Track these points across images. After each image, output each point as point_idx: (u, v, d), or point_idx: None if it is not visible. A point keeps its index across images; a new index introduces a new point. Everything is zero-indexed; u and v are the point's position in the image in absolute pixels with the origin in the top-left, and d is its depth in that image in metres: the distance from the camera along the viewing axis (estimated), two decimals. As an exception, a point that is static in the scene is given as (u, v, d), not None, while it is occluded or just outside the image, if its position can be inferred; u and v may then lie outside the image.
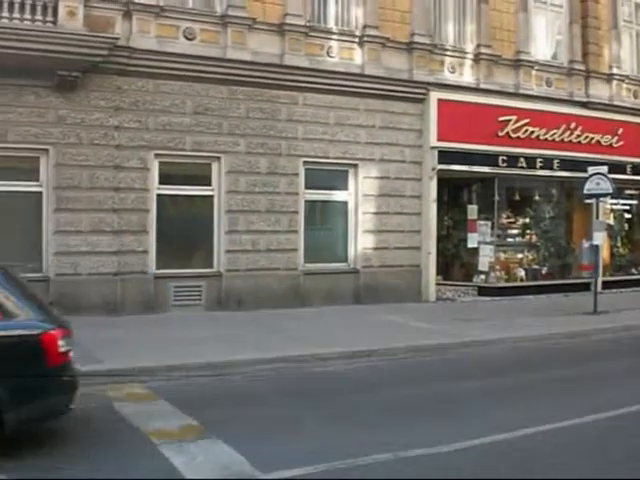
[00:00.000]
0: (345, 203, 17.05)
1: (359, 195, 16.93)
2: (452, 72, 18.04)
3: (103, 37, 13.65)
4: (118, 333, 12.17)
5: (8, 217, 14.04)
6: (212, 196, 15.47)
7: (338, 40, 16.61)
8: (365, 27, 16.74)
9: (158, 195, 14.92)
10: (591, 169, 16.79)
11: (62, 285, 13.70)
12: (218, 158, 15.39)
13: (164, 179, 14.99)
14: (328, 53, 16.40)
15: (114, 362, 10.05)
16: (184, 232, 15.35)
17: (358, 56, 16.76)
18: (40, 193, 13.94)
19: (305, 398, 8.86)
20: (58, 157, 13.89)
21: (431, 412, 8.23)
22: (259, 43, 15.58)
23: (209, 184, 15.47)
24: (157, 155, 14.82)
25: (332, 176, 16.95)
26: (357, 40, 16.74)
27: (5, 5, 12.80)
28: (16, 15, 12.88)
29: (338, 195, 17.07)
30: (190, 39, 14.91)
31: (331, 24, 16.69)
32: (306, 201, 16.43)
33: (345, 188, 17.00)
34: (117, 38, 13.77)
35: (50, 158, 13.87)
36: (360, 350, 11.43)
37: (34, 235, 13.88)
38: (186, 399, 8.47)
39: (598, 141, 19.92)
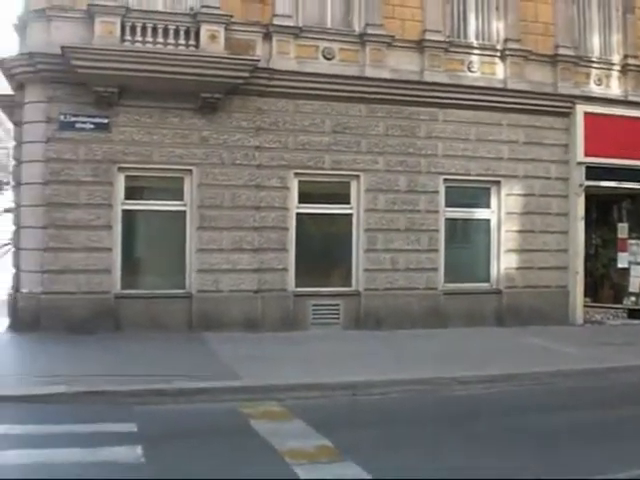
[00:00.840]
0: (487, 221, 16.57)
1: (502, 213, 16.42)
2: (598, 84, 17.22)
3: (244, 59, 13.94)
4: (257, 350, 12.29)
5: (154, 235, 14.65)
6: (351, 214, 15.42)
7: (479, 55, 16.24)
8: (506, 40, 16.29)
9: (297, 214, 15.02)
10: None
11: (204, 301, 14.03)
12: (357, 176, 15.34)
13: (303, 198, 15.09)
14: (469, 68, 16.06)
15: (252, 379, 10.13)
16: (323, 250, 15.41)
17: (500, 70, 16.32)
18: (184, 212, 14.34)
19: (443, 421, 8.58)
20: (201, 177, 14.26)
21: (581, 437, 7.76)
22: (398, 60, 15.46)
23: (348, 202, 15.43)
24: (297, 174, 14.94)
25: (473, 193, 16.55)
26: (498, 54, 16.31)
27: (149, 31, 13.33)
28: (160, 40, 13.39)
29: (479, 213, 16.62)
30: (329, 59, 14.99)
31: (471, 39, 16.35)
32: (446, 219, 16.08)
33: (487, 206, 16.53)
34: (258, 60, 14.02)
35: (194, 178, 14.25)
36: (501, 374, 10.96)
37: (178, 252, 14.29)
38: (321, 419, 8.36)
39: None
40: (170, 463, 6.80)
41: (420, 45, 15.60)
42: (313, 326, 14.76)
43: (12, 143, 16.03)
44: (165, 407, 9.00)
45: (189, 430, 8.01)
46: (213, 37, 13.57)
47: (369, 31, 15.19)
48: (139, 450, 7.05)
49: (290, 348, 12.71)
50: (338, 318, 15.09)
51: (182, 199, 14.38)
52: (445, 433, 8.00)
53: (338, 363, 11.33)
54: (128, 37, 13.31)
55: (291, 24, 14.70)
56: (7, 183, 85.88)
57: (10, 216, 15.77)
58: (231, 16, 13.80)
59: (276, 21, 14.59)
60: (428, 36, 15.62)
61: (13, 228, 14.30)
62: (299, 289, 14.89)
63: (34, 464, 6.73)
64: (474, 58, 16.17)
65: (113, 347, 12.16)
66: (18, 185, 14.13)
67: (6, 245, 31.49)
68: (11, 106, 14.79)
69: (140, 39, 13.34)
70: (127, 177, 14.10)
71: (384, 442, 7.49)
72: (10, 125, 17.05)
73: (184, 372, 10.26)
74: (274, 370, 10.66)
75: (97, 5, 13.17)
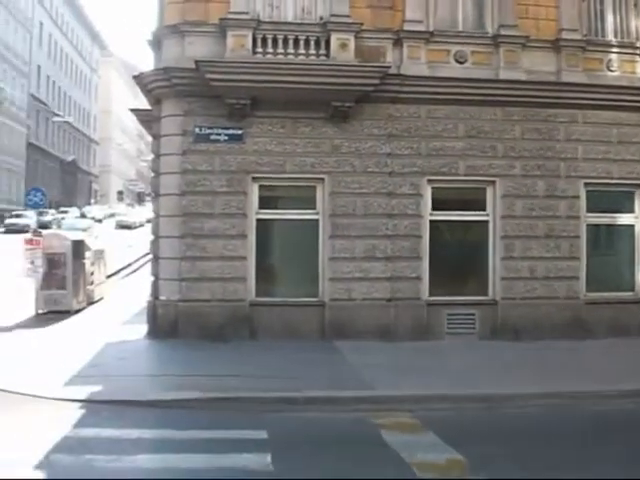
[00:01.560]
0: (631, 227, 15.70)
1: (647, 218, 15.55)
2: None
3: (375, 66, 13.89)
4: (389, 359, 12.13)
5: (287, 243, 14.79)
6: (487, 221, 14.99)
7: (618, 53, 15.43)
8: (647, 37, 15.45)
9: (431, 221, 14.75)
10: None
11: (336, 310, 14.01)
12: (492, 182, 14.90)
13: (437, 205, 14.80)
14: (608, 67, 15.30)
15: (384, 389, 10.02)
16: (457, 258, 15.04)
17: (641, 69, 15.48)
18: (317, 220, 14.39)
19: (583, 437, 8.11)
20: (333, 185, 14.26)
21: None
22: (533, 61, 14.92)
23: (483, 209, 15.01)
24: (430, 181, 14.69)
25: (616, 198, 15.70)
26: (639, 52, 15.46)
27: (280, 42, 13.50)
28: (291, 50, 13.55)
29: (623, 218, 15.75)
30: (461, 62, 14.66)
31: (609, 36, 15.56)
32: (588, 225, 15.34)
33: (630, 210, 15.67)
34: (388, 66, 13.92)
35: (326, 186, 14.28)
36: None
37: (311, 261, 14.35)
38: (454, 432, 8.11)
39: None
40: (299, 472, 6.77)
41: (556, 45, 14.99)
42: (448, 336, 14.43)
43: (150, 157, 16.64)
44: (296, 415, 9.00)
45: (319, 439, 7.96)
46: (343, 45, 13.58)
47: (503, 32, 14.75)
48: (268, 458, 7.07)
49: (423, 358, 12.46)
50: (474, 328, 14.67)
51: (314, 208, 14.44)
52: (590, 453, 7.52)
53: (473, 374, 11.00)
54: (259, 49, 13.54)
55: (422, 29, 14.50)
56: (149, 194, 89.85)
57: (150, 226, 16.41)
58: (361, 24, 13.77)
59: (407, 27, 14.42)
60: (564, 35, 15.00)
61: (152, 237, 14.80)
62: (433, 298, 14.61)
63: (164, 469, 6.87)
64: (613, 56, 15.38)
65: (247, 354, 12.34)
66: (156, 196, 14.62)
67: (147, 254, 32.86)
68: (149, 120, 15.37)
69: (271, 50, 13.54)
70: (261, 187, 14.31)
71: (519, 459, 7.15)
72: (150, 138, 17.69)
73: (315, 380, 10.25)
74: (406, 380, 10.47)
75: (229, 19, 13.49)
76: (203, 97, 13.82)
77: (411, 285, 14.49)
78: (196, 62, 13.16)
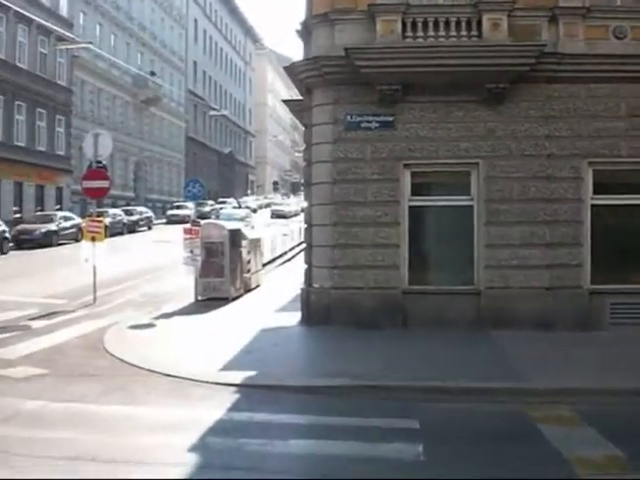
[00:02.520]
0: None
1: None
2: None
3: (530, 45, 13.33)
4: (547, 350, 11.64)
5: (441, 230, 14.51)
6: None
7: None
8: None
9: (593, 206, 14.03)
10: None
11: (492, 298, 13.60)
12: (657, 164, 14.00)
13: (599, 188, 14.05)
14: None
15: (541, 381, 9.63)
16: (622, 245, 14.19)
17: None
18: (471, 207, 14.03)
19: None
20: (488, 170, 13.85)
21: None
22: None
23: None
24: (591, 163, 13.96)
25: None
26: None
27: (430, 25, 13.21)
28: (441, 33, 13.22)
29: None
30: (620, 38, 13.79)
31: None
32: None
33: None
34: (544, 45, 13.30)
35: (480, 171, 13.89)
36: None
37: (465, 248, 14.01)
38: (615, 427, 7.66)
39: None
40: (451, 464, 6.62)
41: None
42: (611, 326, 13.67)
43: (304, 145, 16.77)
44: (448, 406, 8.80)
45: (472, 431, 7.76)
46: (496, 25, 13.13)
47: (667, 4, 13.83)
48: (420, 448, 6.96)
49: (584, 349, 11.86)
50: (640, 318, 13.88)
51: (469, 193, 14.08)
52: None
53: (638, 367, 10.37)
54: (409, 33, 13.30)
55: (579, 5, 13.76)
56: (303, 184, 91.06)
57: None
58: (513, 2, 13.25)
59: (562, 3, 13.71)
60: None
61: (305, 226, 14.95)
62: (596, 286, 13.87)
63: (316, 455, 6.90)
64: None
65: (399, 342, 12.23)
66: (309, 185, 14.74)
67: (301, 243, 33.32)
68: (301, 110, 15.51)
69: (421, 34, 13.28)
70: (413, 173, 14.10)
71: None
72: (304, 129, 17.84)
73: (469, 371, 10.01)
74: (565, 372, 10.02)
75: (378, 5, 13.34)
76: (353, 85, 13.76)
77: (571, 273, 13.84)
78: (346, 50, 13.12)
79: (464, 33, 13.25)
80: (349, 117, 13.81)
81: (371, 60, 13.24)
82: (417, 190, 14.16)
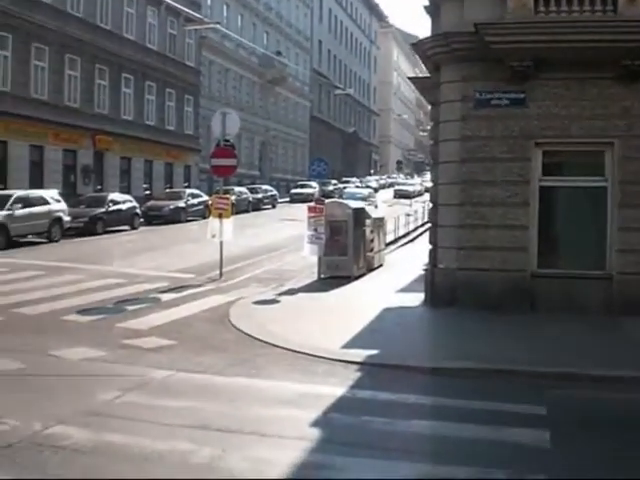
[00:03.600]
0: None
1: None
2: None
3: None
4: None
5: (572, 212, 13.97)
6: None
7: None
8: None
9: None
10: None
11: (625, 284, 13.00)
12: None
13: None
14: None
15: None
16: None
17: None
18: (605, 188, 13.45)
19: None
20: (624, 150, 13.21)
21: None
22: None
23: None
24: None
25: None
26: None
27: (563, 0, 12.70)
28: (575, 8, 12.67)
29: None
30: None
31: None
32: None
33: None
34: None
35: (615, 151, 13.28)
36: None
37: (598, 231, 13.47)
38: None
39: None
40: (579, 454, 6.39)
41: None
42: None
43: (430, 124, 16.55)
44: (578, 393, 8.49)
45: (603, 421, 7.47)
46: (632, 0, 12.46)
47: None
48: (547, 435, 6.74)
49: None
50: None
51: (602, 174, 13.50)
52: None
53: None
54: (542, 8, 12.80)
55: None
56: (428, 164, 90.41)
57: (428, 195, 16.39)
58: (652, -26, 12.55)
59: None
60: None
61: (431, 205, 14.74)
62: None
63: (440, 436, 6.81)
64: None
65: (526, 327, 11.91)
66: (435, 164, 14.51)
67: (425, 223, 33.06)
68: (428, 88, 15.26)
69: (554, 9, 12.75)
70: (544, 152, 13.63)
71: None
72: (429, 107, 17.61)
73: (600, 358, 9.65)
74: None
75: (510, -22, 12.91)
76: (482, 61, 13.39)
77: None
78: (475, 25, 12.77)
79: (599, 8, 12.63)
80: (478, 94, 13.48)
81: (502, 36, 12.85)
82: (548, 170, 13.69)
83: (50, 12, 34.10)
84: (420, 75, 18.32)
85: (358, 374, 9.06)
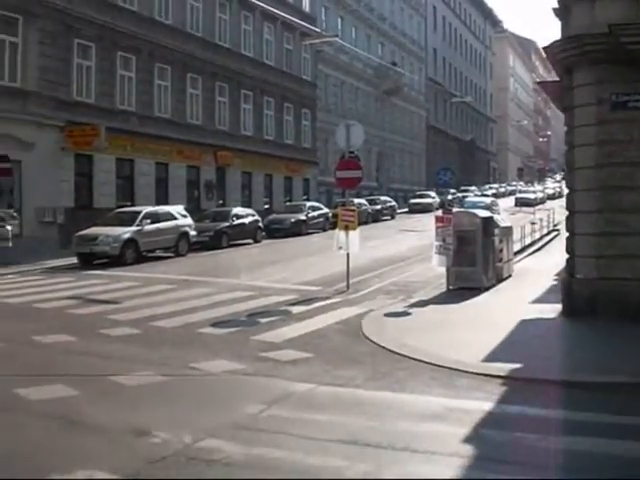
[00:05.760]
0: None
1: None
2: None
3: None
4: None
5: None
6: None
7: None
8: None
9: None
10: None
11: None
12: None
13: None
14: None
15: None
16: None
17: None
18: None
19: None
20: None
21: None
22: None
23: None
24: None
25: None
26: None
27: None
28: None
29: None
30: None
31: None
32: None
33: None
34: None
35: None
36: None
37: None
38: None
39: None
40: None
41: None
42: None
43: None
44: None
45: None
46: None
47: None
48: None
49: None
50: None
51: None
52: None
53: None
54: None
55: None
56: (549, 170, 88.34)
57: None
58: None
59: None
60: None
61: (566, 213, 14.25)
62: None
63: (590, 453, 6.56)
64: None
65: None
66: (571, 170, 13.99)
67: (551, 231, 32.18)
68: (557, 92, 14.77)
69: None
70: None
71: None
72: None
73: None
74: None
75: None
76: (617, 63, 12.82)
77: None
78: (610, 26, 12.26)
79: None
80: (614, 97, 12.93)
81: (638, 36, 12.29)
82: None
83: (171, 33, 35.23)
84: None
85: (503, 388, 8.79)
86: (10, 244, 23.29)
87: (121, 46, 32.16)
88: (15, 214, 26.06)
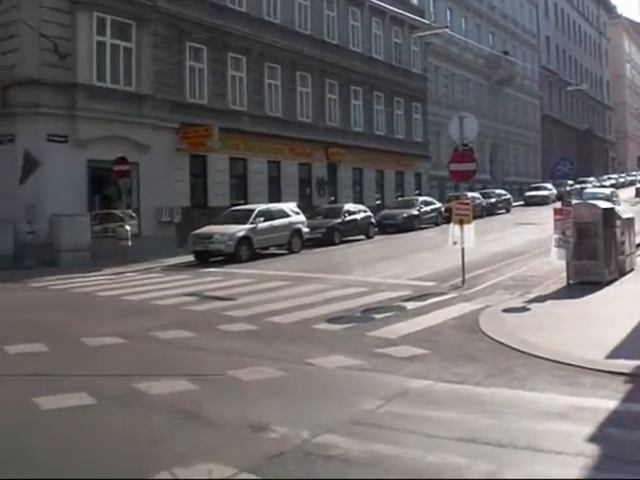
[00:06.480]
0: None
1: None
2: None
3: None
4: None
5: None
6: None
7: None
8: None
9: None
10: None
11: None
12: None
13: None
14: None
15: None
16: None
17: None
18: None
19: None
20: None
21: None
22: None
23: None
24: None
25: None
26: None
27: None
28: None
29: None
30: None
31: None
32: None
33: None
34: None
35: None
36: None
37: None
38: None
39: None
40: None
41: None
42: None
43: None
44: None
45: None
46: None
47: None
48: None
49: None
50: None
51: None
52: None
53: None
54: None
55: None
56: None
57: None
58: None
59: None
60: None
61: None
62: None
63: None
64: None
65: None
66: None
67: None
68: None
69: None
70: None
71: None
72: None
73: None
74: None
75: None
76: None
77: None
78: None
79: None
80: None
81: None
82: None
83: (280, 32, 35.63)
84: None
85: (628, 386, 8.37)
86: (129, 243, 24.09)
87: (231, 47, 32.74)
88: (134, 214, 26.96)
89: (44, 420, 7.36)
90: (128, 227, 24.64)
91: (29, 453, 6.41)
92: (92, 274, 21.77)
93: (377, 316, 13.19)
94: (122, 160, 25.00)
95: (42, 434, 6.96)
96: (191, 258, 24.92)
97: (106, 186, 27.17)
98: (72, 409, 7.68)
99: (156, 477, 5.76)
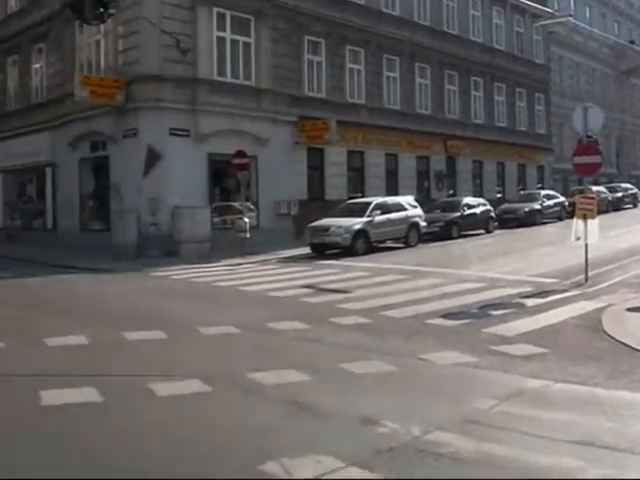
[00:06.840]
0: None
1: None
2: None
3: None
4: None
5: None
6: None
7: None
8: None
9: None
10: None
11: None
12: None
13: None
14: None
15: None
16: None
17: None
18: None
19: None
20: None
21: None
22: None
23: None
24: None
25: None
26: None
27: None
28: None
29: None
30: None
31: None
32: None
33: None
34: None
35: None
36: None
37: None
38: None
39: None
40: None
41: None
42: None
43: None
44: None
45: None
46: None
47: None
48: None
49: None
50: None
51: None
52: None
53: None
54: None
55: None
56: None
57: None
58: None
59: None
60: None
61: None
62: None
63: None
64: None
65: None
66: None
67: None
68: None
69: None
70: None
71: None
72: None
73: None
74: None
75: None
76: None
77: None
78: None
79: None
80: None
81: None
82: None
83: (398, 23, 35.38)
84: None
85: None
86: (248, 235, 24.50)
87: (349, 40, 32.74)
88: (252, 207, 27.40)
89: (162, 406, 7.54)
90: (247, 219, 25.08)
91: (148, 433, 6.59)
92: (211, 265, 22.29)
93: (494, 313, 12.88)
94: (241, 153, 25.46)
95: (159, 422, 7.12)
96: (308, 250, 25.12)
97: (225, 179, 27.76)
98: (188, 396, 7.84)
99: (263, 466, 5.79)
